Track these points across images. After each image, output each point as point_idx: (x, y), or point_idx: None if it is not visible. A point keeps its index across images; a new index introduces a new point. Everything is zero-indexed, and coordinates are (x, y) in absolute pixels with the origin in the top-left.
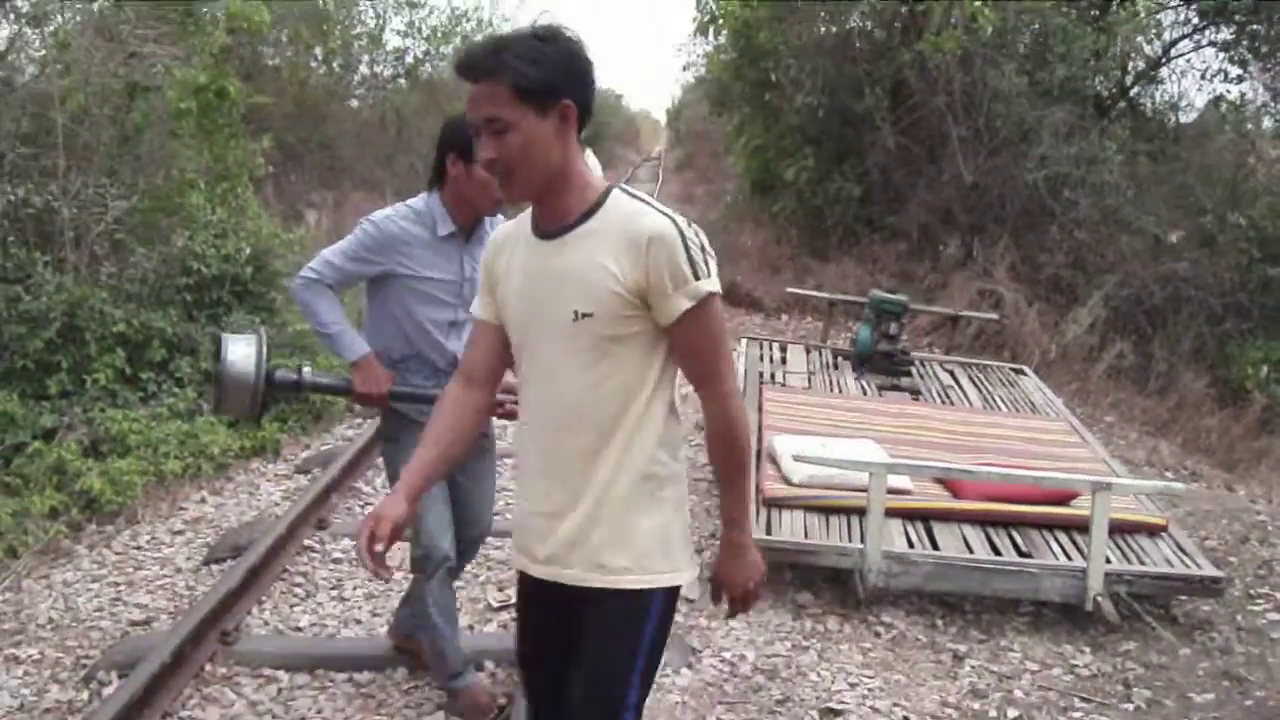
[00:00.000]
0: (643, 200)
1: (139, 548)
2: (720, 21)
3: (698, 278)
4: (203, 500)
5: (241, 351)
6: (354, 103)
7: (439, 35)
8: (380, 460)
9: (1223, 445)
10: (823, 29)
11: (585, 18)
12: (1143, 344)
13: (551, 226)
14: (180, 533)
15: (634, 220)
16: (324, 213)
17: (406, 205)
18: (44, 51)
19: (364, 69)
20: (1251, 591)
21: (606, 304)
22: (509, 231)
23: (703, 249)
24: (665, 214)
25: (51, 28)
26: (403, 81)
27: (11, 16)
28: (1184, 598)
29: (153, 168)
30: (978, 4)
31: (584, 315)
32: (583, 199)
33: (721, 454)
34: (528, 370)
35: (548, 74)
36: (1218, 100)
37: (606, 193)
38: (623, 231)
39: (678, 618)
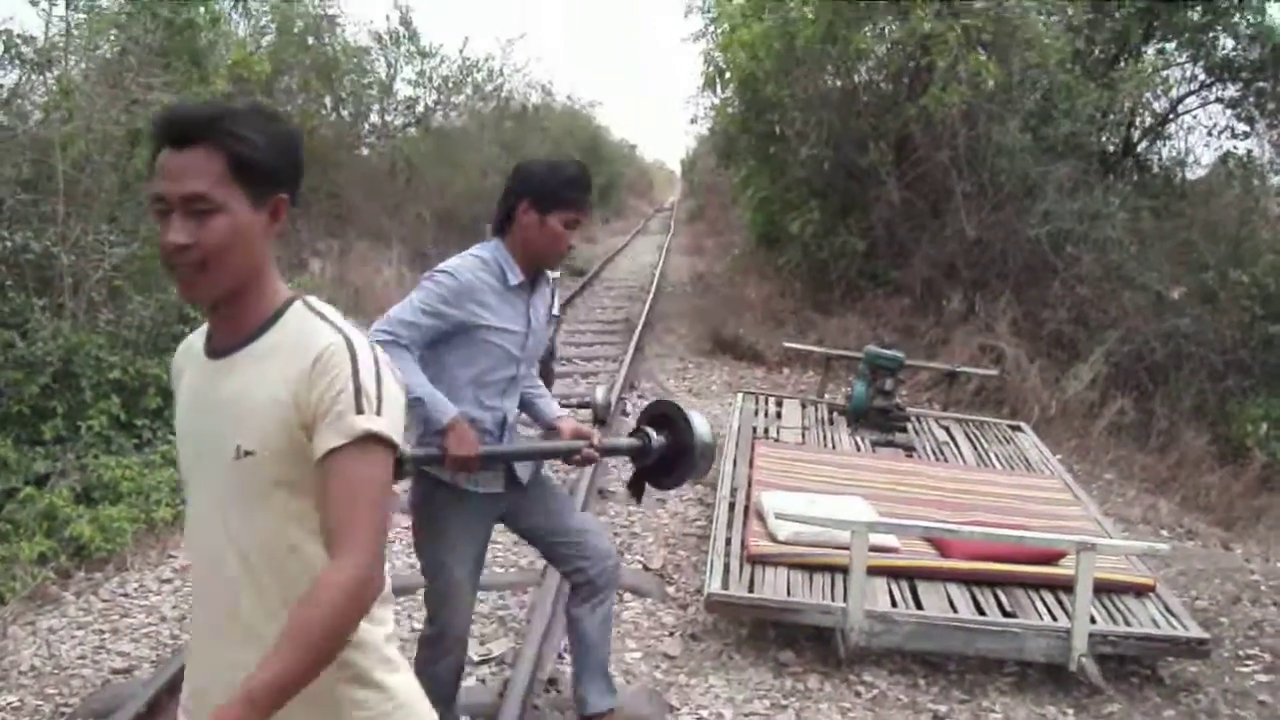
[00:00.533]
0: (321, 315)
1: (126, 595)
2: (727, 74)
3: (360, 412)
4: None
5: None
6: (364, 151)
7: (450, 85)
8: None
9: (1222, 503)
10: (829, 82)
11: (600, 66)
12: (1144, 401)
13: (223, 343)
14: (168, 581)
15: (307, 338)
16: (329, 261)
17: (473, 255)
18: (47, 98)
19: (374, 117)
20: (1241, 652)
21: (274, 439)
22: (189, 346)
23: (378, 379)
24: (341, 330)
25: (56, 74)
26: (413, 130)
27: (18, 62)
28: (1170, 659)
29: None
30: (982, 59)
31: (247, 453)
32: (259, 312)
33: (298, 620)
34: (189, 519)
35: (272, 156)
36: (1226, 156)
37: (287, 304)
38: (295, 350)
39: (657, 674)
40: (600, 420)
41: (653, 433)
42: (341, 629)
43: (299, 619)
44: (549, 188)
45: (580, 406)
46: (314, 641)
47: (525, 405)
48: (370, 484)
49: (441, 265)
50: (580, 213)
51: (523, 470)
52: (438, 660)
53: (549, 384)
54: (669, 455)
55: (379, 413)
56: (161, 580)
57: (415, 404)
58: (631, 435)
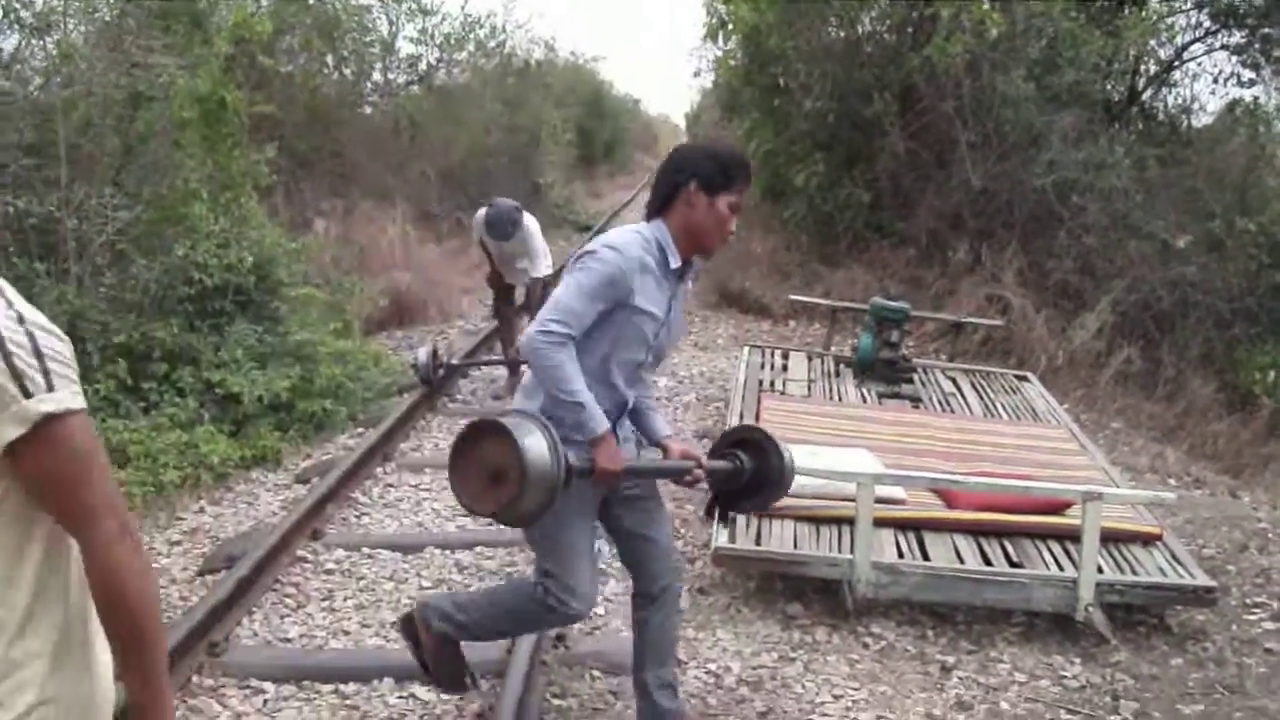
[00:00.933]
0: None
1: None
2: (730, 26)
3: (28, 395)
4: (201, 510)
5: (537, 444)
6: (367, 110)
7: (452, 42)
8: (383, 470)
9: (1229, 451)
10: (832, 33)
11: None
12: (1150, 349)
13: None
14: (178, 543)
15: None
16: (332, 221)
17: (633, 231)
18: (47, 62)
19: (377, 76)
20: (1248, 600)
21: None
22: None
23: (39, 354)
24: None
25: (55, 38)
26: (416, 88)
27: (17, 27)
28: (1178, 608)
29: (156, 178)
30: (986, 7)
31: None
32: None
33: (107, 618)
34: None
35: None
36: (1233, 104)
37: None
38: None
39: None
40: None
41: (744, 456)
42: (140, 587)
43: (102, 603)
44: (718, 169)
45: None
46: (128, 610)
47: (635, 414)
48: (79, 459)
49: (605, 240)
50: (742, 196)
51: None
52: (543, 621)
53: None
54: (754, 480)
55: (50, 388)
56: (171, 543)
57: (575, 409)
58: (721, 458)
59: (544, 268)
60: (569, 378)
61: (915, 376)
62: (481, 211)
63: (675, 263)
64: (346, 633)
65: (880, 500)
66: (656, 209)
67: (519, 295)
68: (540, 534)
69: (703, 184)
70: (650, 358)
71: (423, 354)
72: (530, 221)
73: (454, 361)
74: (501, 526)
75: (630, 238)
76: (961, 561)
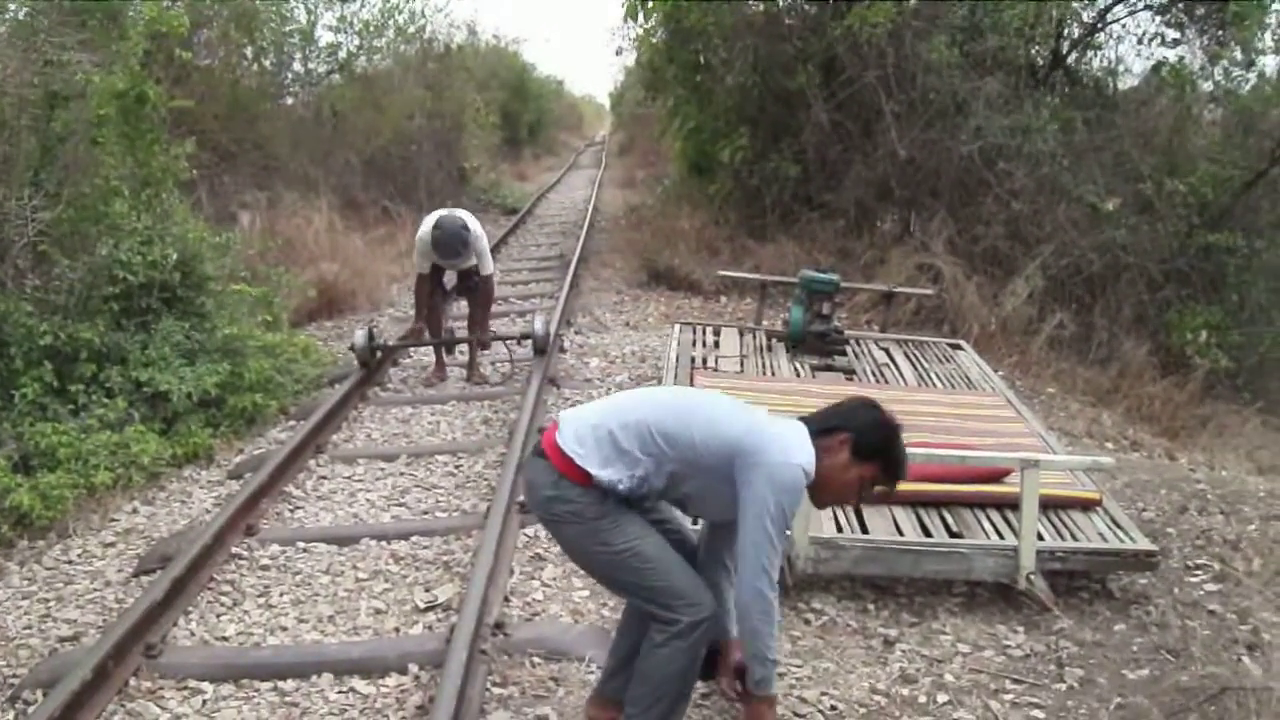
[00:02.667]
0: None
1: (70, 562)
2: (649, 4)
3: None
4: (134, 511)
5: None
6: (289, 100)
7: (371, 29)
8: (315, 463)
9: (1165, 413)
10: (752, 7)
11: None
12: (1083, 314)
13: None
14: (111, 545)
15: None
16: (257, 214)
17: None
18: None
19: (297, 66)
20: (1189, 563)
21: None
22: None
23: None
24: None
25: None
26: (337, 77)
27: None
28: (1119, 573)
29: (76, 177)
30: None
31: None
32: None
33: None
34: None
35: None
36: (1158, 66)
37: None
38: None
39: (605, 612)
40: (540, 350)
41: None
42: None
43: None
44: (877, 443)
45: (523, 338)
46: None
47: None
48: None
49: (796, 457)
50: (877, 478)
51: None
52: (686, 650)
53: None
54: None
55: None
56: (105, 545)
57: (768, 666)
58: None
59: (490, 264)
60: (774, 640)
61: (848, 348)
62: (425, 230)
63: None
64: (284, 629)
65: None
66: (814, 432)
67: (448, 280)
68: (618, 568)
69: (855, 445)
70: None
71: (360, 336)
72: (474, 225)
73: (390, 343)
74: (437, 515)
75: (806, 458)
76: (901, 534)
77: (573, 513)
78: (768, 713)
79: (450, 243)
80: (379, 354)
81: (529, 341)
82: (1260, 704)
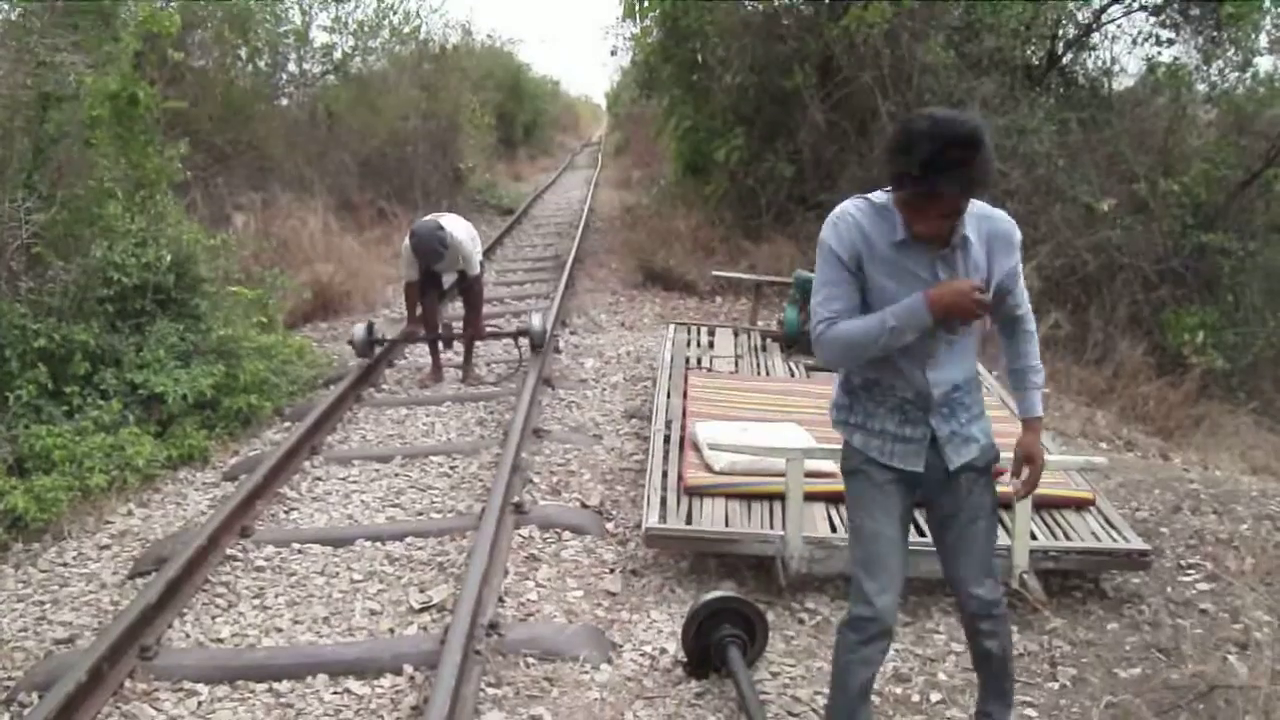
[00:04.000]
0: None
1: (65, 564)
2: (646, 3)
3: None
4: (129, 513)
5: None
6: (283, 101)
7: (366, 29)
8: (310, 464)
9: (1160, 413)
10: (749, 7)
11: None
12: (1078, 313)
13: None
14: (106, 547)
15: None
16: (252, 215)
17: None
18: None
19: (292, 67)
20: (1182, 562)
21: None
22: None
23: None
24: None
25: None
26: (332, 78)
27: None
28: (1112, 572)
29: (70, 178)
30: None
31: None
32: None
33: None
34: None
35: None
36: (1153, 66)
37: None
38: None
39: (599, 611)
40: (536, 347)
41: None
42: None
43: None
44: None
45: (519, 334)
46: None
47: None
48: None
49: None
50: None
51: (954, 454)
52: (861, 645)
53: (474, 313)
54: None
55: None
56: (100, 547)
57: (892, 334)
58: None
59: (477, 264)
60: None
61: None
62: (405, 245)
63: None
64: (279, 630)
65: (811, 474)
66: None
67: (446, 281)
68: (849, 532)
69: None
70: None
71: (360, 330)
72: (453, 227)
73: (389, 336)
74: (432, 516)
75: None
76: None
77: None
78: (935, 299)
79: (427, 247)
80: (378, 348)
81: (525, 340)
82: (1248, 702)
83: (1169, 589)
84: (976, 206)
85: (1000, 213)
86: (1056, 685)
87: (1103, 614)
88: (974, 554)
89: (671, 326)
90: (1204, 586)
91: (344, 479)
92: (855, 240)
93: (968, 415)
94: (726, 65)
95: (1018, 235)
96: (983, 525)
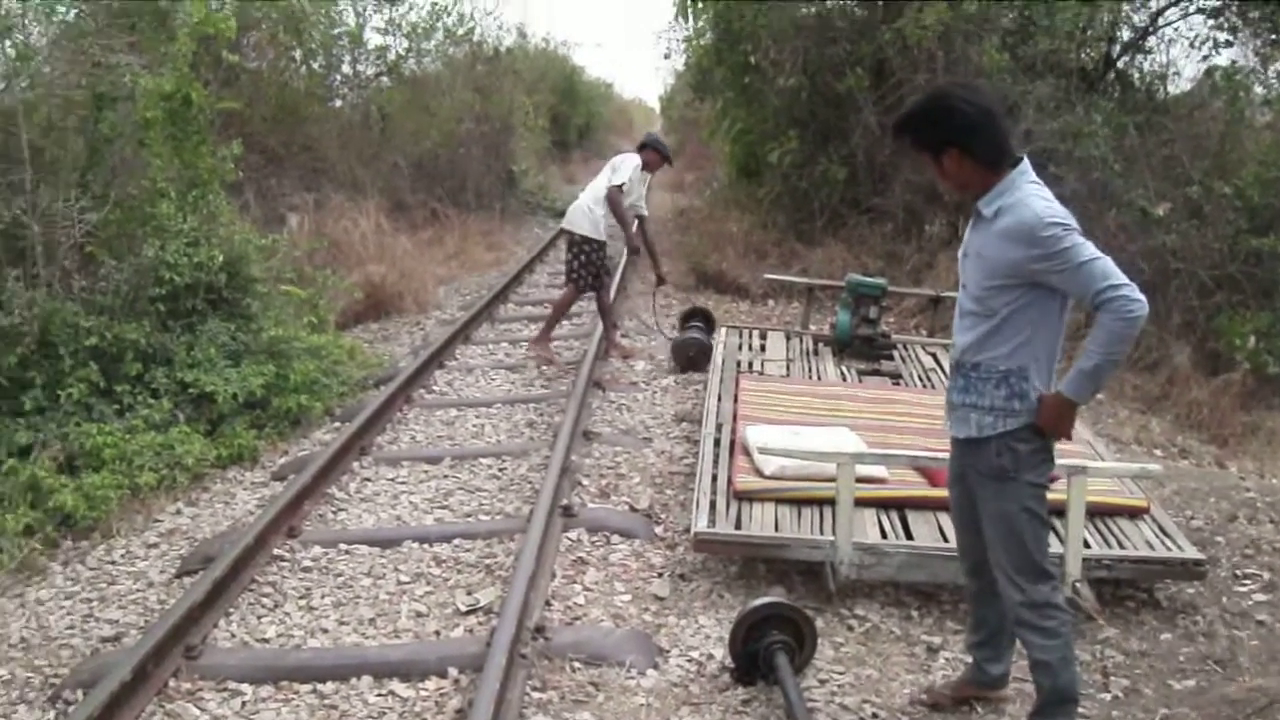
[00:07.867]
0: None
1: (113, 563)
2: (699, 5)
3: None
4: (178, 512)
5: None
6: (337, 103)
7: (419, 31)
8: (359, 465)
9: (1214, 420)
10: (802, 9)
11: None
12: None
13: None
14: (155, 546)
15: None
16: (305, 215)
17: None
18: (5, 65)
19: (345, 68)
20: (1238, 572)
21: None
22: None
23: None
24: None
25: (14, 40)
26: (385, 79)
27: None
28: (1166, 581)
29: (123, 178)
30: None
31: None
32: None
33: None
34: None
35: None
36: (1210, 70)
37: None
38: None
39: (646, 616)
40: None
41: None
42: None
43: None
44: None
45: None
46: None
47: None
48: None
49: (1057, 215)
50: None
51: (952, 421)
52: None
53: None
54: None
55: None
56: (148, 545)
57: (1111, 370)
58: None
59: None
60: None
61: (895, 353)
62: (635, 164)
63: None
64: (325, 631)
65: (861, 480)
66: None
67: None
68: None
69: None
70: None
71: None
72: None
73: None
74: (480, 517)
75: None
76: (945, 540)
77: None
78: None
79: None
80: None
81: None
82: None
83: (1224, 599)
84: (1021, 193)
85: (1033, 206)
86: (1109, 696)
87: (1156, 624)
88: (993, 552)
89: (724, 330)
90: (1261, 597)
91: (392, 480)
92: None
93: (975, 392)
94: (779, 68)
95: (1040, 231)
96: (990, 535)
